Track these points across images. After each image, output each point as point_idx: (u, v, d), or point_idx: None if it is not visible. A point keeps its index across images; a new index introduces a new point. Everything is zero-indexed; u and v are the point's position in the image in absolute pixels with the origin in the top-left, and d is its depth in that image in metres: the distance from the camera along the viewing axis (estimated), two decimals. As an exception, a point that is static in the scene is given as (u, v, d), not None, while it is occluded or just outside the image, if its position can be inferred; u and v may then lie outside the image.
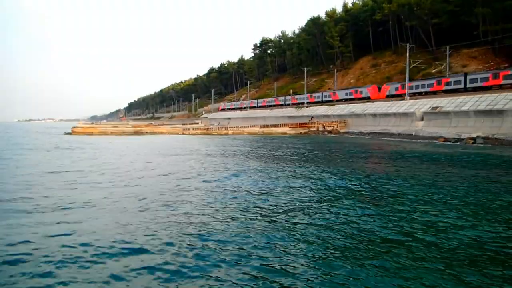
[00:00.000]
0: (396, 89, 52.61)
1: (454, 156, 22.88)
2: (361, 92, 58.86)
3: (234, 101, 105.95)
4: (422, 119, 41.13)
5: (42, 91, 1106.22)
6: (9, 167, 18.67)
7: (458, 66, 51.74)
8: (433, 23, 57.89)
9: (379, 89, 55.60)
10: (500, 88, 37.84)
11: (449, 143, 33.49)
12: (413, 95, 47.51)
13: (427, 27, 59.44)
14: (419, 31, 62.53)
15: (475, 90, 40.04)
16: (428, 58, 57.37)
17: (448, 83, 44.40)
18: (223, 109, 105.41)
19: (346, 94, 61.89)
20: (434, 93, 45.13)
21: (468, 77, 42.21)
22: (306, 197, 11.30)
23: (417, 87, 48.76)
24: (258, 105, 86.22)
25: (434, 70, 54.61)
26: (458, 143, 32.93)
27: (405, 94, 47.93)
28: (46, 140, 43.53)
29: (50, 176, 15.72)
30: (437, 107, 39.76)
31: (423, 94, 46.91)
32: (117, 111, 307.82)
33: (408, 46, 50.94)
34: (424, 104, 42.10)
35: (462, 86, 42.42)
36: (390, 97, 52.74)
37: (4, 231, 7.95)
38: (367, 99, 56.12)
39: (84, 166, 18.89)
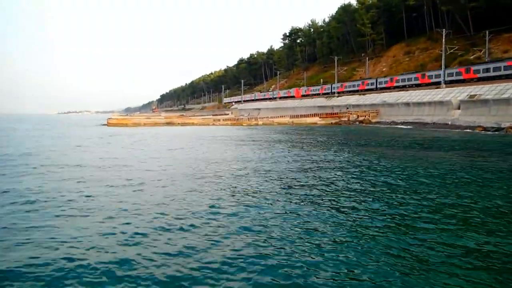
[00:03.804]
0: (305, 91, 79.11)
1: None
2: (291, 92, 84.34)
3: (254, 93, 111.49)
4: (458, 108, 39.74)
5: (80, 85, 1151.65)
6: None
7: (498, 52, 49.27)
8: (471, 7, 55.25)
9: (298, 90, 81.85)
10: None
11: (488, 132, 32.29)
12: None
13: (465, 11, 56.79)
14: (455, 15, 59.89)
15: None
16: (465, 44, 54.90)
17: None
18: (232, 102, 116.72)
19: (285, 93, 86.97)
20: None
21: None
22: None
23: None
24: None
25: (472, 57, 52.31)
26: (497, 132, 31.69)
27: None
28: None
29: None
30: (475, 95, 38.25)
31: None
32: (150, 103, 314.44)
33: (444, 31, 49.02)
34: (461, 92, 40.62)
35: None
36: (303, 96, 78.81)
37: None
38: (293, 97, 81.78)
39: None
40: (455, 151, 20.11)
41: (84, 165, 16.26)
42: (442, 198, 9.74)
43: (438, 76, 48.45)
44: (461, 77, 45.41)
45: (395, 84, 55.86)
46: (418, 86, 51.31)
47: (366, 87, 61.64)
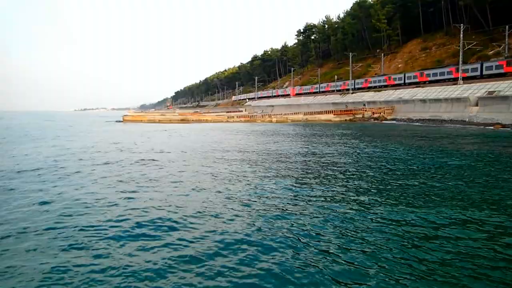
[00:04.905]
0: (298, 89, 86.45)
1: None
2: (287, 91, 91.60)
3: (257, 92, 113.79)
4: (476, 105, 39.00)
5: (96, 83, 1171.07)
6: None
7: (518, 47, 48.01)
8: (490, 1, 53.90)
9: (293, 89, 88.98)
10: None
11: (507, 129, 31.63)
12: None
13: (484, 5, 55.43)
14: (473, 9, 58.52)
15: None
16: (484, 39, 53.64)
17: None
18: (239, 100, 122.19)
19: (282, 92, 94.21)
20: None
21: None
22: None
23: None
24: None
25: (491, 52, 51.16)
26: (517, 129, 31.04)
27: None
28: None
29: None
30: (494, 91, 37.47)
31: None
32: (164, 100, 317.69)
33: (461, 26, 48.06)
34: (479, 89, 39.84)
35: None
36: (297, 95, 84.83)
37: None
38: (289, 95, 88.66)
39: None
40: (490, 147, 19.92)
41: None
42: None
43: (400, 78, 56.27)
44: (417, 80, 52.25)
45: (369, 85, 63.60)
46: (385, 87, 58.23)
47: (347, 87, 68.56)
